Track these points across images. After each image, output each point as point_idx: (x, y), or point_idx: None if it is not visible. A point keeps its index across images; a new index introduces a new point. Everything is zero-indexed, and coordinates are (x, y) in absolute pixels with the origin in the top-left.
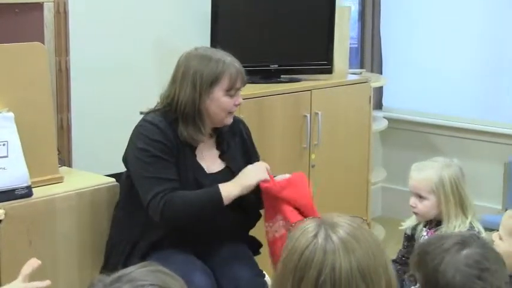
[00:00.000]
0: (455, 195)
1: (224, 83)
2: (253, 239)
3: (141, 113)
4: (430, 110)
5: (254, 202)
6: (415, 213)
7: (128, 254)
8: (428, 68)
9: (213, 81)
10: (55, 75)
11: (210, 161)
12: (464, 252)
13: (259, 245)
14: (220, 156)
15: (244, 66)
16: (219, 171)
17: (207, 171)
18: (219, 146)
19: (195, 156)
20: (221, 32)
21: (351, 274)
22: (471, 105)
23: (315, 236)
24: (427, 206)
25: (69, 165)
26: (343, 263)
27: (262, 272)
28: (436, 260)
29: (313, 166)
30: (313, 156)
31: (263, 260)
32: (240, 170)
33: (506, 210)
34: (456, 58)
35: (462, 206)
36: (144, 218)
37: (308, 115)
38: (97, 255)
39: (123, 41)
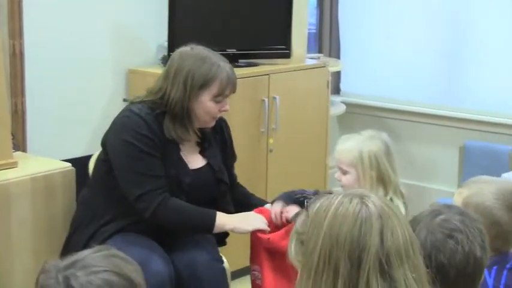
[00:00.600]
0: (373, 169)
1: (213, 89)
2: None
3: (125, 100)
4: (388, 94)
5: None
6: (342, 187)
7: (91, 236)
8: (385, 53)
9: (203, 85)
10: (9, 58)
11: (192, 157)
12: (440, 217)
13: (225, 234)
14: (201, 153)
15: None
16: (201, 168)
17: (190, 167)
18: (200, 143)
19: (180, 150)
20: (178, 16)
21: (406, 240)
22: (428, 90)
23: (362, 202)
24: (349, 180)
25: (24, 150)
26: (398, 228)
27: (221, 257)
28: (412, 227)
29: (271, 150)
30: (271, 140)
31: (226, 248)
32: (219, 168)
33: None
34: (413, 42)
35: (383, 181)
36: (115, 204)
37: (266, 99)
38: (53, 240)
39: (78, 24)
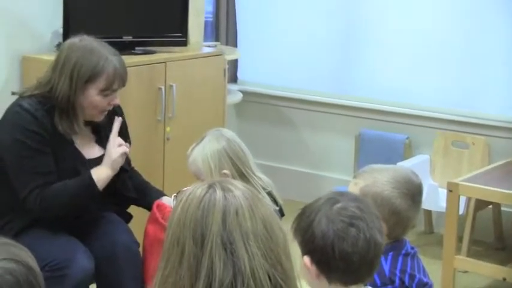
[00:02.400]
0: (224, 167)
1: (99, 83)
2: (123, 211)
3: (14, 93)
4: (284, 83)
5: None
6: None
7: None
8: (282, 41)
9: (88, 79)
10: None
11: (87, 146)
12: (337, 205)
13: (130, 216)
14: (97, 142)
15: (97, 38)
16: (98, 157)
17: (86, 157)
18: (94, 131)
19: (73, 143)
20: (73, 3)
21: (255, 220)
22: (324, 79)
23: (210, 187)
24: None
25: None
26: (245, 207)
27: (137, 240)
28: (311, 217)
29: (168, 139)
30: (168, 129)
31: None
32: None
33: None
34: (309, 32)
35: (244, 176)
36: (17, 199)
37: (163, 87)
38: None
39: None
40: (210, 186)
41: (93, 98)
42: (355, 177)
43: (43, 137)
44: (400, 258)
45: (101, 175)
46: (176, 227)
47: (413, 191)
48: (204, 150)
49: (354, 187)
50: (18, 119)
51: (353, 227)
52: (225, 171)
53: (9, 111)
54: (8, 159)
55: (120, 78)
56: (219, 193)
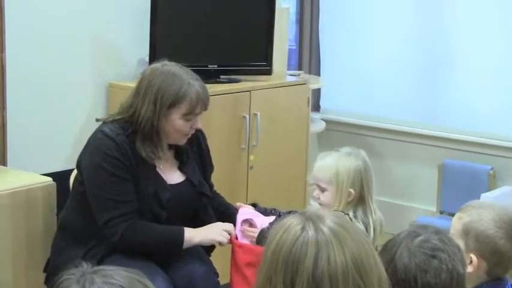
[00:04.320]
0: (351, 186)
1: (182, 108)
2: None
3: (98, 120)
4: (367, 112)
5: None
6: (320, 205)
7: (83, 256)
8: (365, 70)
9: (172, 104)
10: None
11: (170, 171)
12: (418, 238)
13: (211, 248)
14: (179, 168)
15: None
16: (180, 183)
17: (168, 183)
18: (177, 156)
19: (155, 167)
20: (160, 31)
21: (347, 266)
22: (407, 108)
23: (303, 228)
24: (327, 197)
25: (4, 163)
26: (337, 254)
27: (216, 270)
28: (392, 250)
29: (251, 167)
30: (251, 157)
31: (215, 262)
32: (199, 181)
33: (440, 212)
34: (393, 61)
35: (361, 199)
36: (97, 226)
37: (247, 116)
38: (32, 255)
39: (60, 38)
40: (304, 226)
41: (176, 122)
42: (460, 210)
43: (123, 163)
44: None
45: (191, 239)
46: (269, 267)
47: None
48: (341, 162)
49: (458, 221)
50: (99, 145)
51: (435, 258)
52: (351, 190)
53: (92, 137)
54: (87, 184)
55: (202, 103)
56: (311, 235)
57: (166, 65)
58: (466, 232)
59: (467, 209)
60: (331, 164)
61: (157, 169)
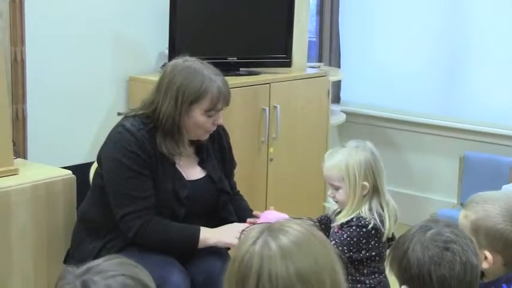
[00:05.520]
0: (364, 179)
1: (204, 104)
2: None
3: (119, 113)
4: (388, 104)
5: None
6: (337, 203)
7: (100, 249)
8: (385, 62)
9: (193, 100)
10: (10, 65)
11: (190, 168)
12: (430, 231)
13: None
14: (200, 164)
15: (202, 59)
16: (200, 179)
17: (187, 179)
18: (198, 152)
19: (174, 163)
20: (179, 25)
21: (289, 280)
22: (428, 100)
23: (254, 243)
24: (342, 195)
25: (25, 157)
26: (279, 269)
27: None
28: (404, 246)
29: (271, 160)
30: (271, 149)
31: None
32: (219, 178)
33: (461, 204)
34: (413, 53)
35: (377, 191)
36: (114, 219)
37: (267, 108)
38: (53, 248)
39: (79, 32)
40: (256, 240)
41: (198, 119)
42: (464, 208)
43: (143, 158)
44: None
45: (207, 240)
46: (229, 276)
47: None
48: (350, 157)
49: (464, 220)
50: (119, 139)
51: (448, 251)
52: (364, 183)
53: (113, 131)
54: (106, 178)
55: (224, 98)
56: (257, 250)
57: (187, 61)
58: (475, 230)
59: (471, 206)
60: (340, 161)
61: (177, 165)
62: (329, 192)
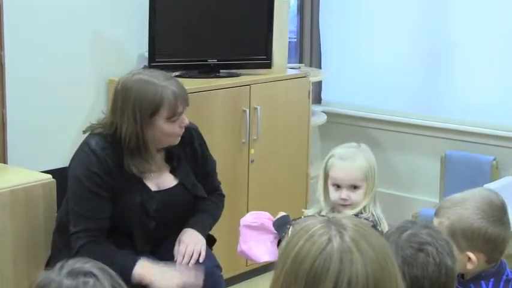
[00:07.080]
0: (375, 180)
1: (164, 113)
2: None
3: (84, 131)
4: (369, 104)
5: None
6: (345, 206)
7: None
8: (367, 62)
9: (152, 113)
10: None
11: (161, 177)
12: (406, 233)
13: (213, 240)
14: (172, 171)
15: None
16: (172, 188)
17: (158, 188)
18: (169, 160)
19: (141, 178)
20: (159, 26)
21: (371, 278)
22: (409, 100)
23: (329, 240)
24: (360, 195)
25: (4, 161)
26: (360, 274)
27: (218, 263)
28: None
29: (252, 161)
30: (252, 151)
31: (218, 255)
32: (193, 184)
33: None
34: (395, 52)
35: (369, 194)
36: None
37: (247, 110)
38: (33, 252)
39: (59, 35)
40: (330, 237)
41: (163, 127)
42: (436, 215)
43: (103, 180)
44: (502, 285)
45: (142, 276)
46: (288, 275)
47: (499, 214)
48: (368, 156)
49: (440, 227)
50: (83, 159)
51: (422, 252)
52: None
53: (80, 148)
54: (67, 193)
55: (182, 100)
56: (335, 250)
57: (136, 74)
58: (452, 234)
59: (443, 212)
60: (363, 160)
61: (145, 178)
62: (343, 195)
